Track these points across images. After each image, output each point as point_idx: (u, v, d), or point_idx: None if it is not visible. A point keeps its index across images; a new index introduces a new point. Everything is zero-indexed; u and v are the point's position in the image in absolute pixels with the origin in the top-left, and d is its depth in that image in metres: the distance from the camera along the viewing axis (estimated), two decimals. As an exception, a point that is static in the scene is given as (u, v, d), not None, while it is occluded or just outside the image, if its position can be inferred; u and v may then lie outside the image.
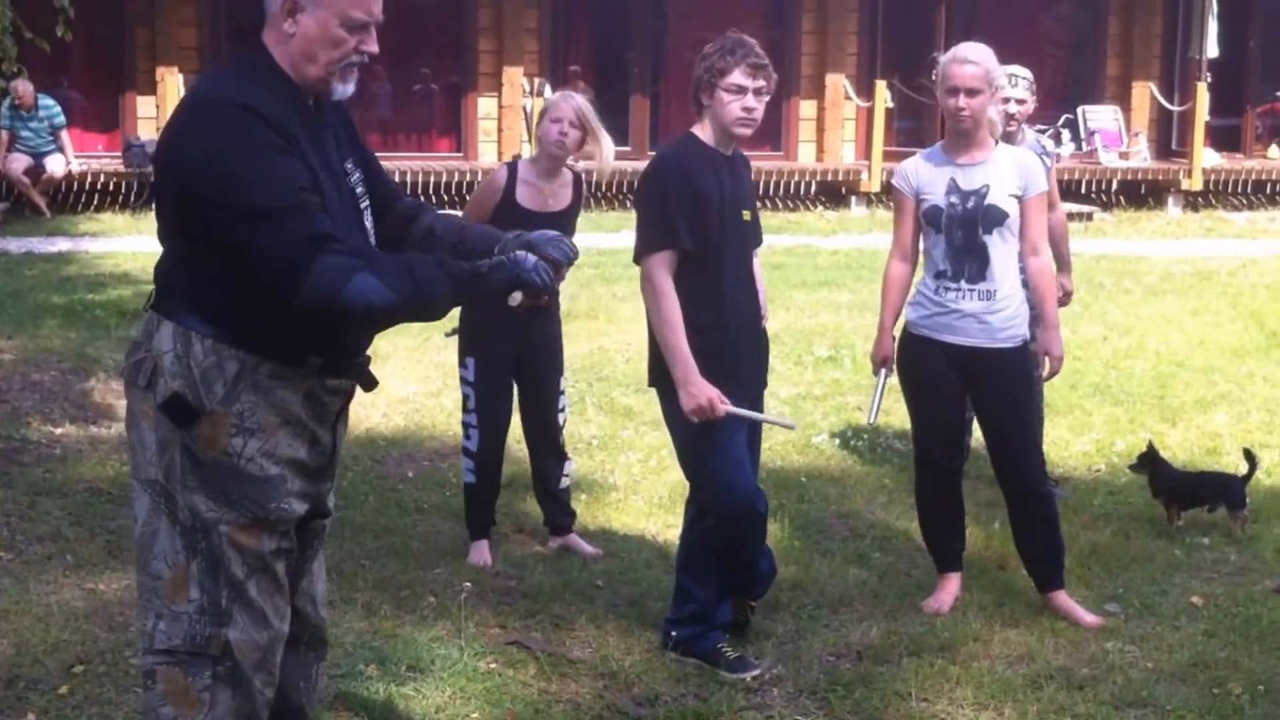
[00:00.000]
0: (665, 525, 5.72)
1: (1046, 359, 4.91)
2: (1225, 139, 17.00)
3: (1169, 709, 4.13)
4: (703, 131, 4.33)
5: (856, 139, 15.98)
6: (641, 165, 17.00)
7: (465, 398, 5.31)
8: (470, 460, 5.32)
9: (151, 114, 14.61)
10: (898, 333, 4.99)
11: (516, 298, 2.93)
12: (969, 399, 4.96)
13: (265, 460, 2.92)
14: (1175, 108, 16.63)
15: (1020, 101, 5.72)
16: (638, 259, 4.31)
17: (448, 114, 15.86)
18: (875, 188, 15.38)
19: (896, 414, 7.02)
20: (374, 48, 3.00)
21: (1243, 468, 6.12)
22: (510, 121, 15.13)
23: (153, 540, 2.96)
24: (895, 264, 4.95)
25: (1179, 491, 5.74)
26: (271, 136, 2.82)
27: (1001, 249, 4.74)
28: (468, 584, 4.73)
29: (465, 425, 5.34)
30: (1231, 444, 6.98)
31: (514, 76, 14.88)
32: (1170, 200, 16.11)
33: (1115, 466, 6.67)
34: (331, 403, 3.07)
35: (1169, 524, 5.73)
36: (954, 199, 4.74)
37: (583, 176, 5.38)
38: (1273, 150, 17.20)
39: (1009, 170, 4.75)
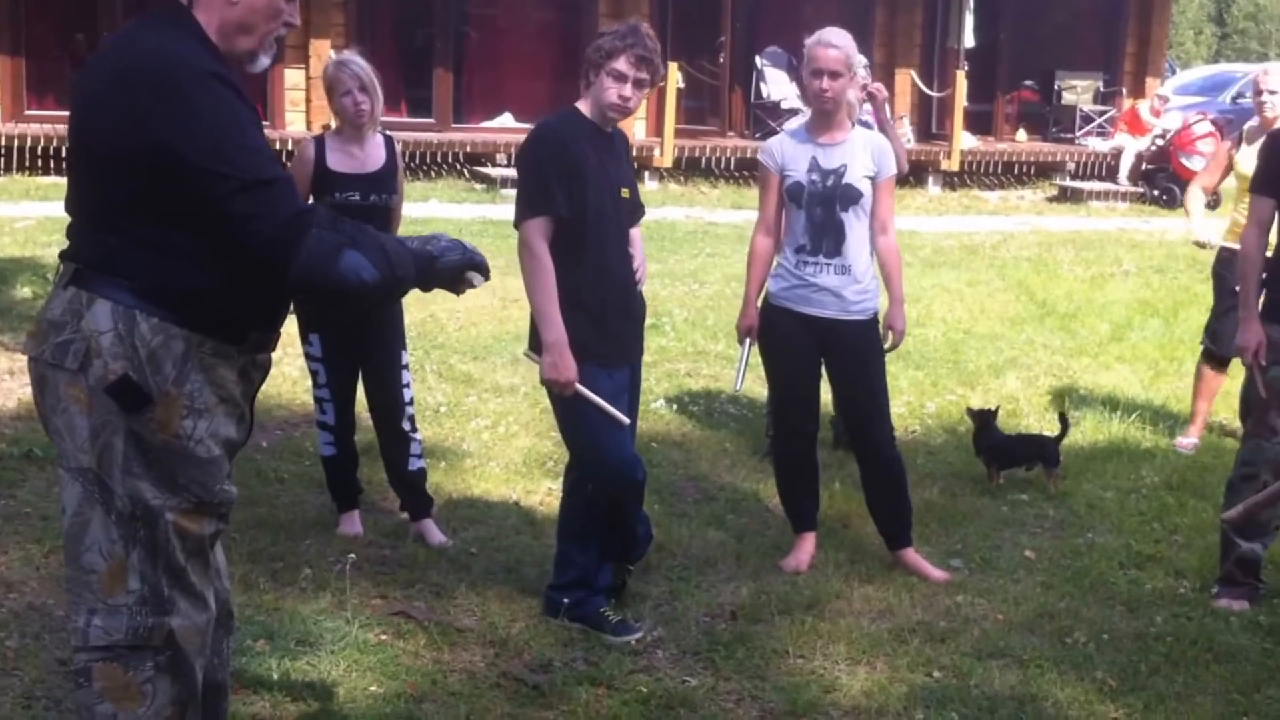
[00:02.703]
0: (525, 491, 5.54)
1: (890, 332, 4.88)
2: (979, 123, 17.55)
3: (1025, 659, 4.16)
4: (585, 107, 4.18)
5: (648, 117, 15.91)
6: (447, 137, 16.33)
7: (314, 373, 4.98)
8: (328, 434, 5.01)
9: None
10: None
11: (477, 279, 2.72)
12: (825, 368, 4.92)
13: (211, 441, 2.65)
14: (935, 94, 17.09)
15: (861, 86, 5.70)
16: (516, 224, 4.14)
17: (255, 84, 15.14)
18: (668, 163, 15.36)
19: (727, 381, 7.01)
20: (298, 20, 2.75)
21: (1043, 429, 6.31)
22: (318, 92, 14.52)
23: (84, 532, 2.63)
24: (759, 238, 4.86)
25: (1000, 452, 5.84)
26: (245, 108, 2.57)
27: (856, 226, 4.70)
28: (351, 555, 4.46)
29: (319, 400, 5.01)
30: (1027, 406, 7.17)
31: (321, 49, 14.29)
32: (930, 179, 16.57)
33: (929, 428, 6.78)
34: (257, 379, 2.83)
35: (990, 482, 5.82)
36: (815, 176, 4.67)
37: (394, 138, 5.12)
38: (1020, 134, 17.86)
39: (864, 152, 4.70)
